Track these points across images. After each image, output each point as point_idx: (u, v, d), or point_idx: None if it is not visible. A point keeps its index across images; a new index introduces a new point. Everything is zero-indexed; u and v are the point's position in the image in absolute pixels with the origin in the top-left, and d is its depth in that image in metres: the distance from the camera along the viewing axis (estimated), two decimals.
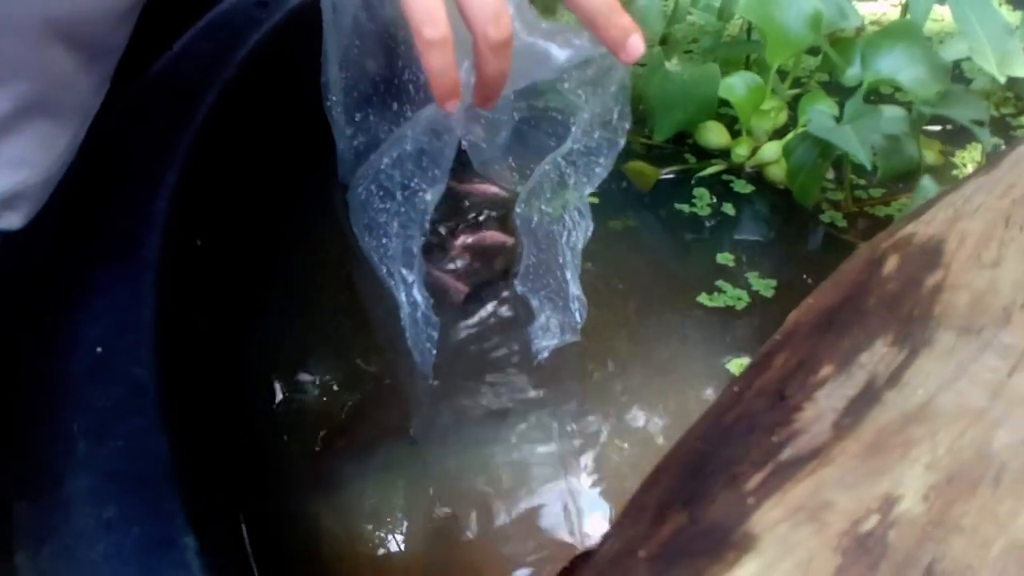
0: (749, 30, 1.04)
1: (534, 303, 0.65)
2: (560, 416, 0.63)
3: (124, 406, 0.42)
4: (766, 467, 0.27)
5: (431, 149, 0.56)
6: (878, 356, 0.32)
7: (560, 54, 0.51)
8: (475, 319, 0.69)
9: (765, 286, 0.73)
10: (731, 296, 0.72)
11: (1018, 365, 0.30)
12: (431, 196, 0.57)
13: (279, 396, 0.61)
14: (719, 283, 0.73)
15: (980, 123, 0.71)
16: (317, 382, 0.63)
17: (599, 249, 0.77)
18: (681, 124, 0.86)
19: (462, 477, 0.58)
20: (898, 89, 1.02)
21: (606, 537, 0.33)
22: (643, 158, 0.88)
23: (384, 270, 0.62)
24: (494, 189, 0.77)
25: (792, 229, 0.81)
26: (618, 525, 0.31)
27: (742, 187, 0.84)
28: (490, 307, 0.69)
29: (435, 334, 0.60)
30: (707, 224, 0.81)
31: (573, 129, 0.59)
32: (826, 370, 0.32)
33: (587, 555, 0.51)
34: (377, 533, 0.54)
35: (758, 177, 0.86)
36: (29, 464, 0.39)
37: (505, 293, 0.70)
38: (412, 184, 0.58)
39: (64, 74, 0.47)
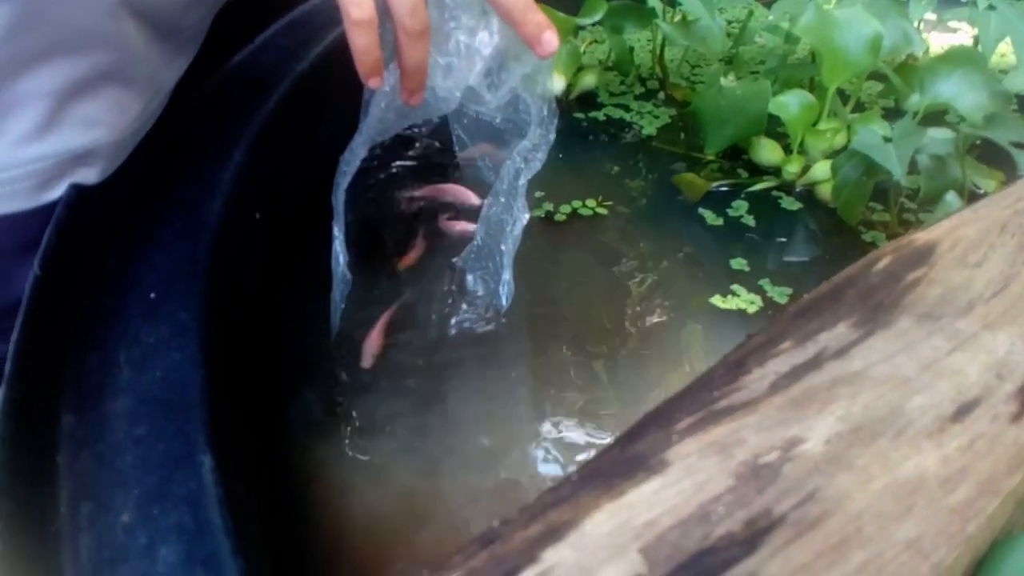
0: (813, 53, 1.05)
1: (469, 280, 0.72)
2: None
3: (167, 343, 0.47)
4: (699, 413, 0.30)
5: (370, 120, 0.61)
6: (835, 335, 0.34)
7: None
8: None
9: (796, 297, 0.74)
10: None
11: (961, 346, 0.31)
12: (357, 158, 0.62)
13: (305, 355, 0.67)
14: (749, 296, 0.75)
15: (1021, 146, 0.71)
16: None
17: (630, 248, 0.80)
18: (731, 138, 0.87)
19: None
20: (963, 119, 1.01)
21: None
22: (696, 171, 0.90)
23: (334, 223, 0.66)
24: (469, 195, 0.81)
25: (834, 248, 0.82)
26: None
27: (790, 204, 0.85)
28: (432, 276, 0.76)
29: (346, 290, 0.65)
30: (749, 238, 0.82)
31: (532, 127, 0.64)
32: (785, 344, 0.34)
33: None
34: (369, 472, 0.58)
35: (808, 196, 0.87)
36: (80, 383, 0.44)
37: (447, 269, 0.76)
38: (355, 148, 0.63)
39: (135, 47, 0.53)
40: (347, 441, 0.61)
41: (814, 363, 0.32)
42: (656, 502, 0.25)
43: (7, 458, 0.37)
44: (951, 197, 0.66)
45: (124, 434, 0.42)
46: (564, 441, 0.62)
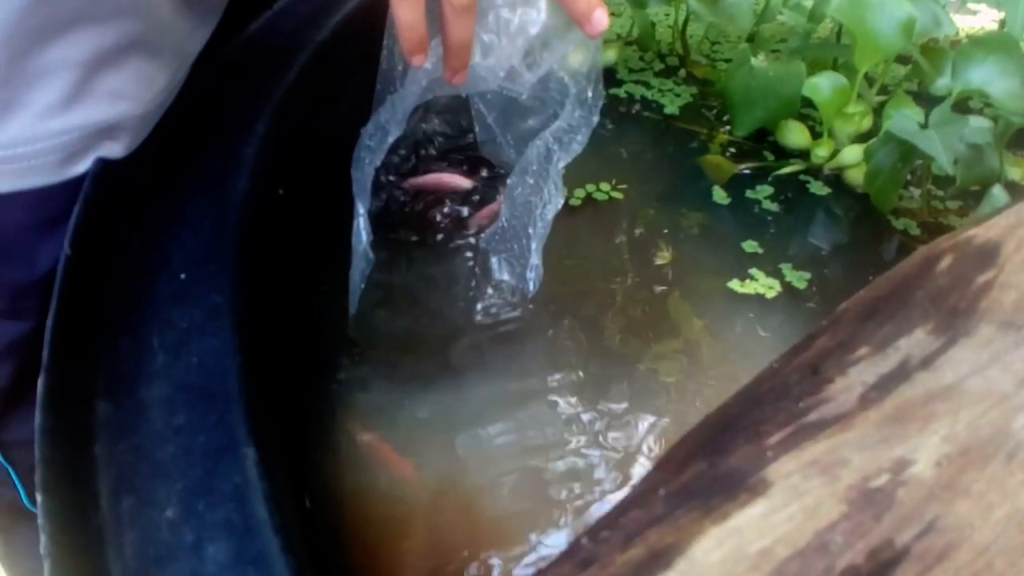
0: (839, 33, 1.03)
1: (493, 263, 0.69)
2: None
3: (201, 327, 0.45)
4: (789, 427, 0.28)
5: (404, 96, 0.59)
6: (915, 341, 0.33)
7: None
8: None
9: (830, 286, 0.73)
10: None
11: None
12: (391, 137, 0.60)
13: (325, 338, 0.65)
14: (768, 280, 0.73)
15: None
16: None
17: (651, 230, 0.79)
18: (762, 121, 0.86)
19: None
20: (988, 104, 1.00)
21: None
22: (721, 152, 0.89)
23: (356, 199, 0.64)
24: (458, 180, 0.79)
25: (863, 234, 0.81)
26: (645, 478, 0.32)
27: (818, 188, 0.84)
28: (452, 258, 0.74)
29: (367, 270, 0.63)
30: (775, 222, 0.81)
31: (566, 106, 0.62)
32: (863, 351, 0.33)
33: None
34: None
35: (836, 180, 0.86)
36: (113, 370, 0.43)
37: (469, 250, 0.74)
38: (386, 125, 0.61)
39: (161, 16, 0.51)
40: (369, 429, 0.60)
41: (901, 374, 0.31)
42: (767, 528, 0.24)
43: (49, 453, 0.36)
44: (997, 191, 0.64)
45: (163, 424, 0.40)
46: (590, 430, 0.61)
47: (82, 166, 0.49)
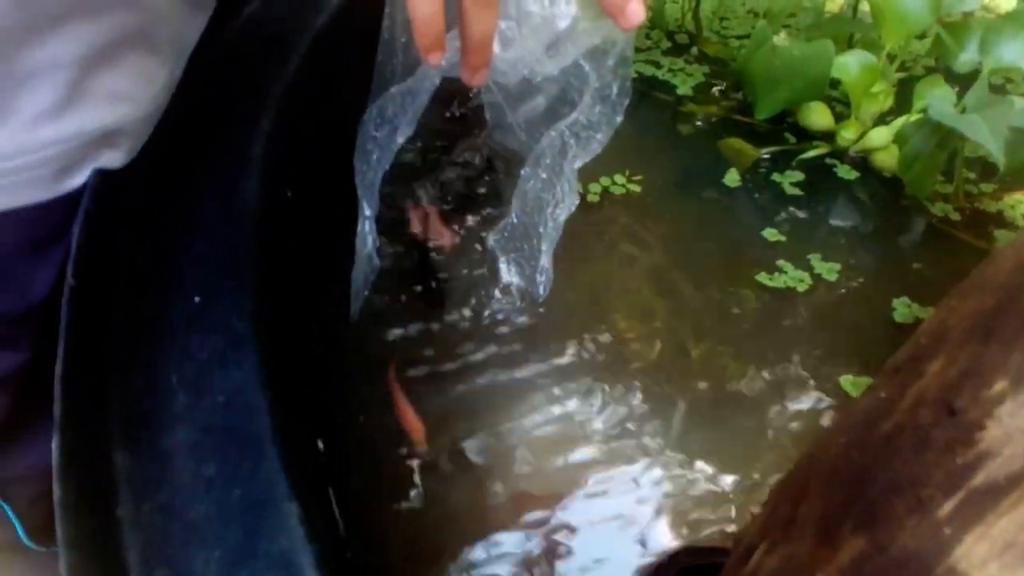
0: (855, 8, 0.99)
1: (501, 263, 0.65)
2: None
3: (223, 358, 0.41)
4: (957, 493, 0.25)
5: (416, 91, 0.55)
6: None
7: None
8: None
9: (864, 278, 0.70)
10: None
11: None
12: (400, 137, 0.56)
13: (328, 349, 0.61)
14: (797, 273, 0.70)
15: None
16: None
17: (672, 222, 0.74)
18: (785, 102, 0.82)
19: None
20: (1009, 79, 0.97)
21: (737, 543, 0.31)
22: (739, 135, 0.84)
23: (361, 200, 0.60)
24: (443, 238, 0.74)
25: (894, 220, 0.77)
26: (761, 534, 0.28)
27: (846, 172, 0.80)
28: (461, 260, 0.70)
29: (371, 276, 0.59)
30: (805, 209, 0.77)
31: (585, 98, 0.57)
32: (1000, 385, 0.29)
33: (692, 552, 0.49)
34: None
35: (863, 163, 0.82)
36: (129, 414, 0.38)
37: (475, 247, 0.70)
38: (395, 120, 0.56)
39: (158, 5, 0.46)
40: (379, 448, 0.56)
41: None
42: None
43: (73, 528, 0.31)
44: None
45: (190, 477, 0.35)
46: (608, 446, 0.58)
47: (79, 178, 0.44)
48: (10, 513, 0.55)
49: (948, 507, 0.24)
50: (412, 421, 0.56)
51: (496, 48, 0.53)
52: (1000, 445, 0.26)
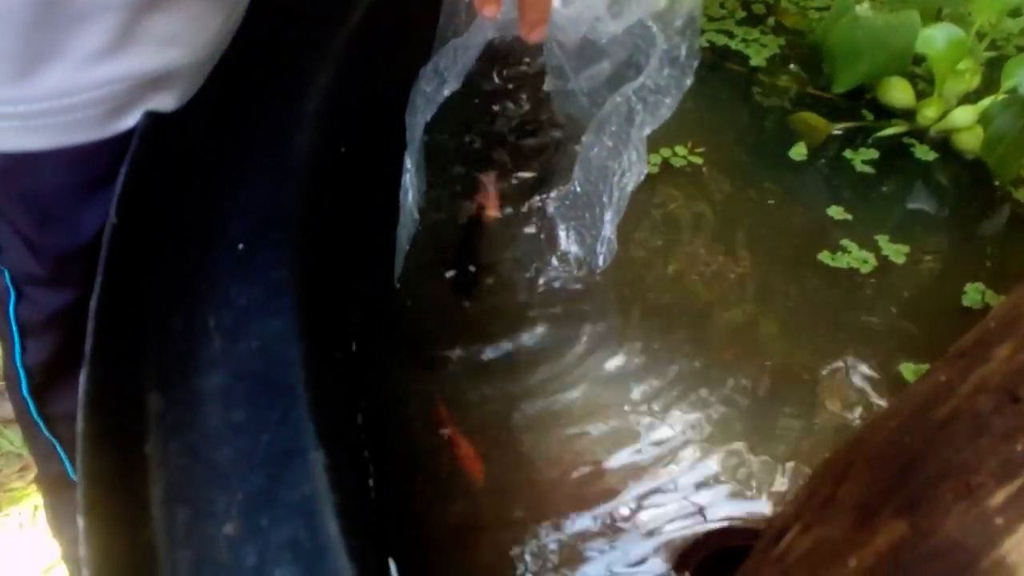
0: None
1: (560, 231, 0.63)
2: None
3: (262, 306, 0.40)
4: (1013, 481, 0.22)
5: (468, 45, 0.54)
6: None
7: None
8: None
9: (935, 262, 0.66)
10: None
11: None
12: (447, 90, 0.55)
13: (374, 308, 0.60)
14: (862, 253, 0.66)
15: None
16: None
17: (732, 196, 0.72)
18: (865, 76, 0.78)
19: None
20: None
21: (772, 524, 0.29)
22: (813, 109, 0.81)
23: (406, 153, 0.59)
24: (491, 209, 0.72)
25: (974, 204, 0.73)
26: (795, 515, 0.27)
27: (924, 153, 0.76)
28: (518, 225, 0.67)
29: (413, 231, 0.59)
30: (876, 188, 0.73)
31: (652, 62, 0.55)
32: None
33: (725, 534, 0.47)
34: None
35: (943, 144, 0.78)
36: (166, 356, 0.38)
37: (533, 215, 0.68)
38: (444, 73, 0.55)
39: None
40: (447, 419, 0.55)
41: None
42: None
43: (95, 461, 0.31)
44: None
45: (220, 420, 0.35)
46: (665, 422, 0.56)
47: (129, 121, 0.44)
48: (60, 450, 0.57)
49: (1001, 496, 0.22)
50: (470, 459, 0.53)
51: (556, 3, 0.51)
52: None
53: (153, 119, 0.44)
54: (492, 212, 0.70)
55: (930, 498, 0.23)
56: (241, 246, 0.43)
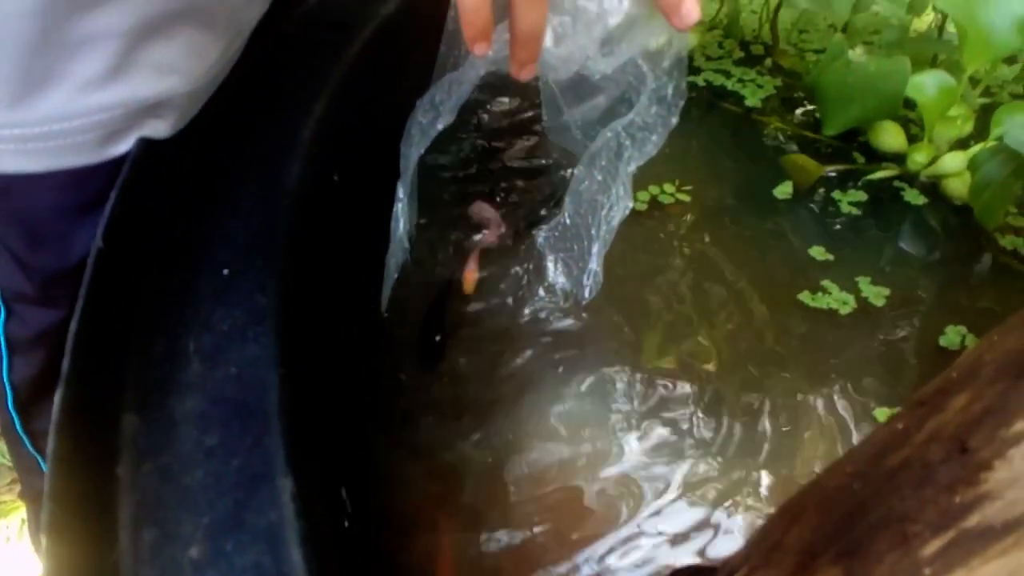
0: (941, 27, 0.95)
1: (548, 262, 0.64)
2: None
3: (243, 332, 0.41)
4: (946, 532, 0.23)
5: (462, 80, 0.54)
6: None
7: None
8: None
9: (915, 306, 0.67)
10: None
11: None
12: (441, 124, 0.55)
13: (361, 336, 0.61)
14: (842, 295, 0.67)
15: None
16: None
17: (716, 234, 0.72)
18: (856, 120, 0.79)
19: None
20: None
21: (726, 565, 0.30)
22: (806, 151, 0.82)
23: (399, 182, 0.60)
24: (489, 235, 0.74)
25: (959, 250, 0.74)
26: (746, 558, 0.27)
27: (913, 197, 0.77)
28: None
29: (403, 259, 0.60)
30: (861, 230, 0.74)
31: (642, 99, 0.56)
32: (1020, 425, 0.27)
33: (692, 573, 0.47)
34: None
35: (933, 189, 0.78)
36: (145, 377, 0.39)
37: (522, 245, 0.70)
38: (439, 107, 0.56)
39: None
40: (408, 444, 0.55)
41: None
42: None
43: (62, 482, 0.32)
44: None
45: (193, 444, 0.36)
46: (646, 460, 0.56)
47: (123, 146, 0.45)
48: (43, 465, 0.58)
49: (934, 546, 0.23)
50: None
51: (548, 42, 0.52)
52: (1004, 488, 0.24)
53: (146, 145, 0.45)
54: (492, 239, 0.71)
55: (867, 546, 0.23)
56: (226, 271, 0.44)
